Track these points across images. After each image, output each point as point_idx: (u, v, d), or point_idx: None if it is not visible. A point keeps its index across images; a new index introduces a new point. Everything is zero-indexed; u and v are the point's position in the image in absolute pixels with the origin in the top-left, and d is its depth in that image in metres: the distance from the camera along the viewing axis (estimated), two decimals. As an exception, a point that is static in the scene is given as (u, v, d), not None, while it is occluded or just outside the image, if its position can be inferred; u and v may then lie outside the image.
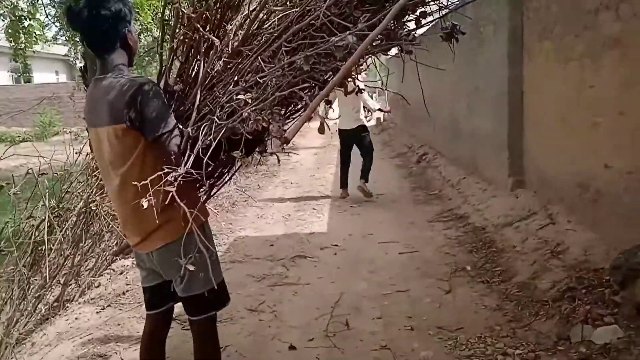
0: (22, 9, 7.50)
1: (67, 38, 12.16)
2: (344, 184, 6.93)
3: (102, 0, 1.80)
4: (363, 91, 7.15)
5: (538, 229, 4.13)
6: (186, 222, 1.77)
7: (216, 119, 1.78)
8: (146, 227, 1.87)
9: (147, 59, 15.61)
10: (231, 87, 1.90)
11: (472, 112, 6.70)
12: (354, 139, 6.85)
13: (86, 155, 4.32)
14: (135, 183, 1.73)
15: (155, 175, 1.70)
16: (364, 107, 6.99)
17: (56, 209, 3.38)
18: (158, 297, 2.09)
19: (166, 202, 1.66)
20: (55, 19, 9.26)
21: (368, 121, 7.97)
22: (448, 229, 5.08)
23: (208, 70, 1.98)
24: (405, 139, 12.09)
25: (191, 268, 1.78)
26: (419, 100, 9.67)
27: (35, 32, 7.33)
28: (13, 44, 7.36)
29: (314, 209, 6.42)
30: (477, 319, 3.14)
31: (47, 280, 3.35)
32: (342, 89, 2.39)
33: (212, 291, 1.95)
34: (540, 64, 4.66)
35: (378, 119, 18.14)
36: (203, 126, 1.80)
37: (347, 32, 1.77)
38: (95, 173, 3.93)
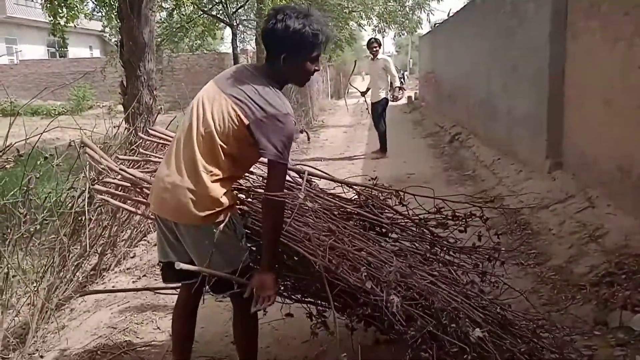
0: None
1: (103, 14, 12.30)
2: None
3: (281, 20, 1.87)
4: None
5: (576, 212, 4.04)
6: (226, 209, 1.92)
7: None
8: (189, 198, 1.87)
9: (179, 34, 15.68)
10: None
11: (509, 91, 6.54)
12: (378, 108, 8.47)
13: (124, 130, 4.40)
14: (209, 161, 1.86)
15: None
16: (391, 85, 8.51)
17: (96, 181, 3.45)
18: (184, 273, 2.09)
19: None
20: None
21: (399, 99, 8.52)
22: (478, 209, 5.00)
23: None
24: (437, 118, 11.91)
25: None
26: (452, 79, 9.70)
27: (76, 6, 7.41)
28: (52, 19, 7.48)
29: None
30: (509, 301, 3.10)
31: (87, 249, 3.45)
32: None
33: (234, 274, 1.98)
34: (585, 43, 4.49)
35: (409, 97, 17.93)
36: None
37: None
38: (134, 147, 3.99)
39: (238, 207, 2.13)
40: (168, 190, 1.91)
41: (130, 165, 3.02)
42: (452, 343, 1.73)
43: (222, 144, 1.85)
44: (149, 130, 2.78)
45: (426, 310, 1.81)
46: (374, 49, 8.37)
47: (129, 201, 2.75)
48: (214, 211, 1.88)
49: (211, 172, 1.86)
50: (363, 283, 1.80)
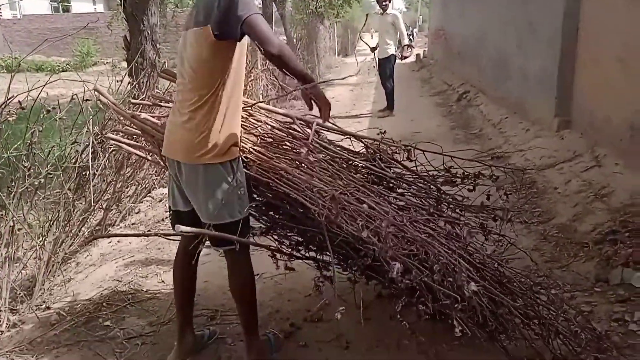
0: None
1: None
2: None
3: None
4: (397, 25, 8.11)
5: (583, 171, 3.99)
6: (225, 152, 1.94)
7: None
8: (192, 139, 1.90)
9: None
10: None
11: (522, 49, 6.37)
12: (385, 65, 8.31)
13: (127, 85, 4.35)
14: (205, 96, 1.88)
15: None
16: (399, 42, 8.36)
17: (99, 136, 3.43)
18: (190, 221, 2.08)
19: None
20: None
21: (407, 57, 8.28)
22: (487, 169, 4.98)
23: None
24: (446, 76, 11.71)
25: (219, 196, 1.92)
26: (463, 36, 9.49)
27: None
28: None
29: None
30: (512, 258, 3.10)
31: (91, 204, 3.46)
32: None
33: (233, 225, 1.98)
34: (601, -1, 4.34)
35: (418, 55, 17.61)
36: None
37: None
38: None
39: (244, 155, 2.12)
40: (170, 131, 2.01)
41: (140, 110, 3.00)
42: (447, 295, 1.74)
43: (209, 65, 1.87)
44: (161, 74, 2.74)
45: (424, 263, 1.81)
46: (384, 3, 8.14)
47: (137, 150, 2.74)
48: (212, 150, 1.91)
49: (207, 103, 1.89)
50: (359, 232, 1.80)
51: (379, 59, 8.38)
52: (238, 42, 1.89)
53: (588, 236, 3.13)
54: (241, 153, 2.07)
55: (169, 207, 2.20)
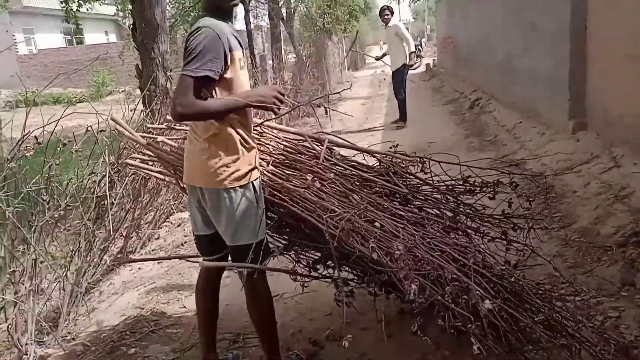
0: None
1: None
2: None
3: None
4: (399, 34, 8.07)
5: (601, 172, 3.93)
6: (245, 174, 1.97)
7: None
8: (211, 166, 1.94)
9: (192, 14, 15.62)
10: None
11: (529, 51, 6.33)
12: (396, 76, 8.31)
13: (141, 113, 4.42)
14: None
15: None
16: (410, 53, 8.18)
17: (115, 165, 3.49)
18: (212, 245, 2.15)
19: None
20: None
21: (415, 67, 8.28)
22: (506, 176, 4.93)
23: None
24: (457, 84, 11.67)
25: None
26: (470, 42, 9.48)
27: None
28: (64, 4, 7.49)
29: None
30: (534, 266, 3.05)
31: (111, 233, 3.51)
32: None
33: (254, 246, 2.00)
34: (607, -5, 4.31)
35: (427, 64, 17.60)
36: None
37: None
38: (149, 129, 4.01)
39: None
40: (188, 158, 2.04)
41: (156, 133, 3.04)
42: (461, 314, 1.71)
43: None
44: None
45: (439, 279, 1.78)
46: (386, 17, 8.20)
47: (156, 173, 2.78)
48: (233, 174, 1.94)
49: (220, 130, 1.93)
50: (370, 253, 1.79)
51: (392, 71, 8.41)
52: (224, 75, 1.89)
53: (611, 239, 3.08)
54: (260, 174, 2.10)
55: (193, 232, 2.23)
